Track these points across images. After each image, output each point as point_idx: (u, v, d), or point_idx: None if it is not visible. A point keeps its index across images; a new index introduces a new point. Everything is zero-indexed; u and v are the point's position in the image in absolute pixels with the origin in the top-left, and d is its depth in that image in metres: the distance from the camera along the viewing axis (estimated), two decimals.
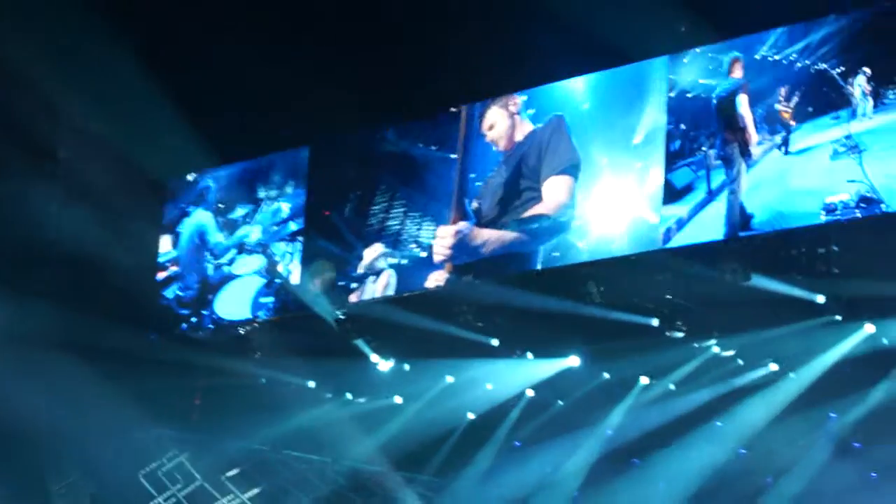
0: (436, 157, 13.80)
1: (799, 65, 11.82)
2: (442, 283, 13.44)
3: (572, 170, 12.88)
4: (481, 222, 13.29)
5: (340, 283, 14.21)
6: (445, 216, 13.57)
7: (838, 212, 11.37)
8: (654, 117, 12.46)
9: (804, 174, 11.62)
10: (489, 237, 13.20)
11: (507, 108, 13.37)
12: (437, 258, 13.50)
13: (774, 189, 11.73)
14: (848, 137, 11.44)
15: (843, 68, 11.59)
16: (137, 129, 14.92)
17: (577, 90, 13.07)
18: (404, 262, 13.81)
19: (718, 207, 12.00)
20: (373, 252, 13.98)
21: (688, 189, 12.23)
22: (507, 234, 13.07)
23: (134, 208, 15.53)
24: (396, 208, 13.98)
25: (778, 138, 11.82)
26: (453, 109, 13.73)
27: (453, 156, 13.67)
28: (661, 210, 12.23)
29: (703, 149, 12.20)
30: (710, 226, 12.03)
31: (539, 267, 12.87)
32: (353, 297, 14.10)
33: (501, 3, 13.74)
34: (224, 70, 14.57)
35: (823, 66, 11.70)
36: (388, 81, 14.29)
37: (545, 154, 13.06)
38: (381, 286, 13.89)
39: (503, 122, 13.41)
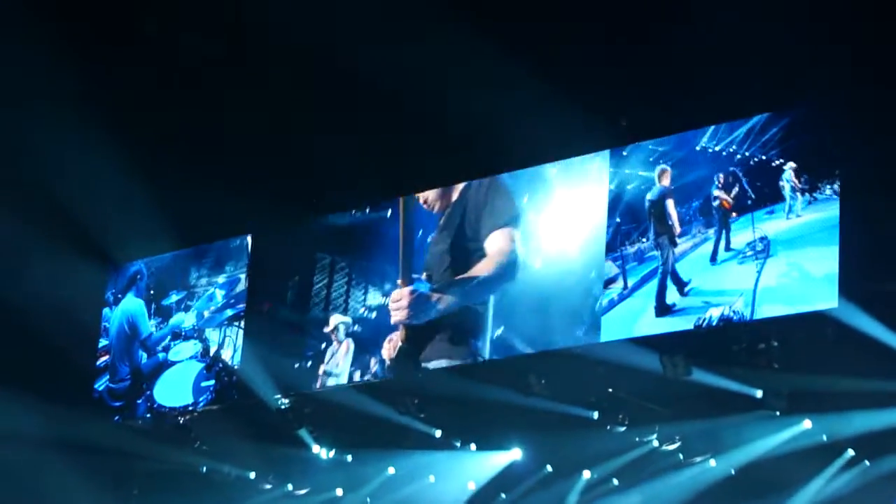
0: (373, 220, 13.95)
1: (739, 156, 12.06)
2: (394, 355, 13.50)
3: (513, 221, 13.10)
4: (433, 289, 13.41)
5: (295, 366, 14.22)
6: (392, 277, 13.69)
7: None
8: (595, 210, 12.72)
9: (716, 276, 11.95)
10: (442, 294, 13.31)
11: None
12: (394, 319, 13.55)
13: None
14: (763, 240, 11.72)
15: (780, 160, 11.84)
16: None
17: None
18: (358, 328, 13.87)
19: (646, 299, 12.24)
20: (332, 323, 14.02)
21: (614, 281, 12.47)
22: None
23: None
24: (338, 280, 14.05)
25: (711, 232, 12.05)
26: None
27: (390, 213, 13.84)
28: (599, 301, 12.42)
29: (633, 243, 12.43)
30: (649, 320, 12.22)
31: (489, 335, 12.98)
32: (319, 382, 14.08)
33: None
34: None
35: (762, 156, 11.95)
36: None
37: (483, 211, 13.25)
38: (341, 356, 13.90)
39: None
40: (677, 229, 12.28)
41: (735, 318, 11.75)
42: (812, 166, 11.62)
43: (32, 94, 14.08)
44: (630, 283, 12.39)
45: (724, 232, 12.00)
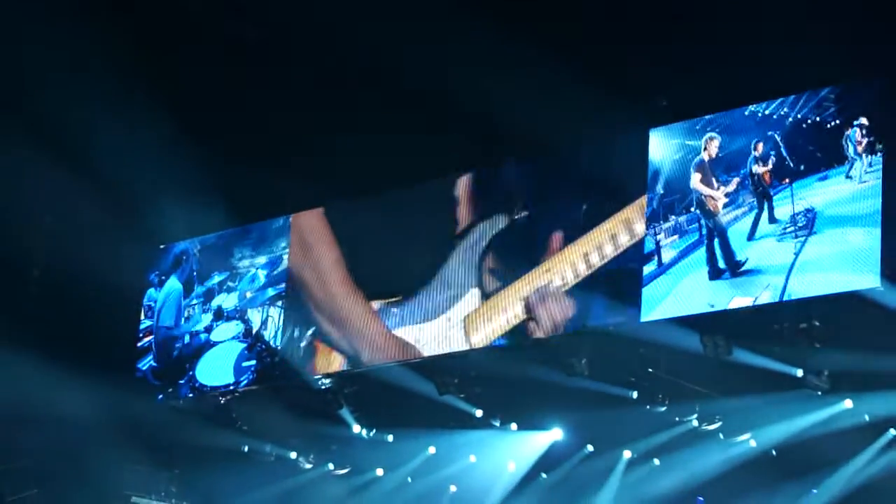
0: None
1: (790, 118, 11.89)
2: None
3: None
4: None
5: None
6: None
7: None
8: (633, 185, 12.70)
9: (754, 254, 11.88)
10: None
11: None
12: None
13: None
14: (808, 212, 11.61)
15: (838, 121, 11.59)
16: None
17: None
18: (399, 307, 13.95)
19: (696, 277, 12.18)
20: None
21: (651, 258, 12.43)
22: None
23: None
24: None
25: (755, 203, 11.99)
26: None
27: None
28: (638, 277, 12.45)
29: (678, 214, 12.41)
30: (690, 298, 12.22)
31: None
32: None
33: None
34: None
35: (816, 117, 11.73)
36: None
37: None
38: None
39: None
40: (722, 200, 12.18)
41: (776, 297, 11.71)
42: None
43: (85, 70, 14.14)
44: (667, 258, 12.31)
45: (765, 204, 11.87)
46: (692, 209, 12.35)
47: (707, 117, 12.39)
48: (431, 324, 13.71)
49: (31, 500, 15.66)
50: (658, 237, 12.43)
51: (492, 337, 13.30)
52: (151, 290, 15.79)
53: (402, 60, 13.32)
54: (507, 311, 13.25)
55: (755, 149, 12.01)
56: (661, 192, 12.53)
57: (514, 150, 13.56)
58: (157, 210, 15.24)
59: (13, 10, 13.88)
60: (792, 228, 11.68)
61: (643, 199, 12.56)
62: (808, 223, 11.60)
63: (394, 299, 14.02)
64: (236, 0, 13.99)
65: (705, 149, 12.34)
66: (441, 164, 13.95)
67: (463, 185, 13.82)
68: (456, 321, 13.58)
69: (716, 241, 12.14)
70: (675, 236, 12.37)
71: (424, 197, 14.09)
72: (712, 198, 12.24)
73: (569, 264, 12.89)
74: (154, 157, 14.67)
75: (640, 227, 12.56)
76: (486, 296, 13.43)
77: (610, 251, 12.66)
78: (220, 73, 14.48)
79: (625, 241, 12.61)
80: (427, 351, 13.68)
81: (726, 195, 12.14)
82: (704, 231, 12.23)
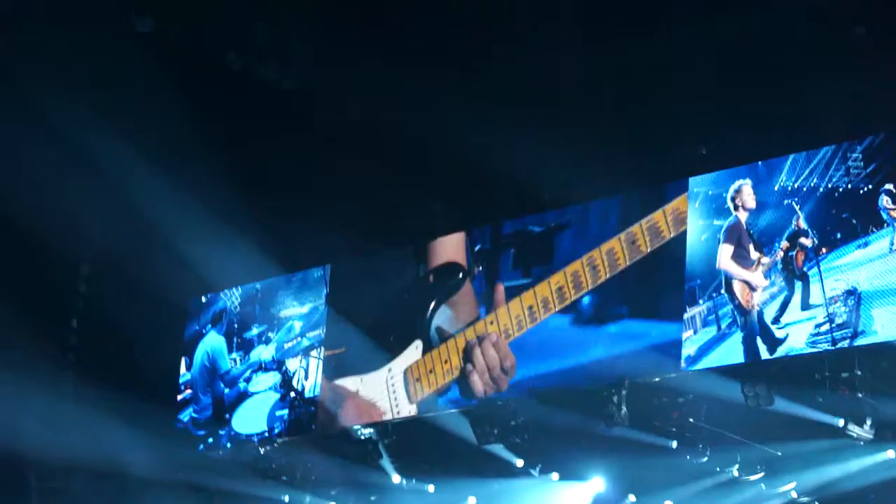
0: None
1: (821, 189, 11.81)
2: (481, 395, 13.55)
3: None
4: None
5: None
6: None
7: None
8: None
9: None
10: None
11: None
12: None
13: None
14: (851, 293, 11.40)
15: (870, 186, 11.48)
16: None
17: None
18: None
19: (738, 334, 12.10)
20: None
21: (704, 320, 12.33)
22: None
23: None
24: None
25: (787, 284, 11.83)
26: None
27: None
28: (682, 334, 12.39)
29: (708, 298, 12.27)
30: (732, 349, 12.16)
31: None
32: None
33: None
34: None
35: (848, 185, 11.61)
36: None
37: None
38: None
39: None
40: (756, 282, 12.04)
41: (819, 347, 11.65)
42: None
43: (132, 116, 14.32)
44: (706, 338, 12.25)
45: (801, 285, 11.75)
46: (721, 291, 12.19)
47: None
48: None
49: None
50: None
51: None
52: (192, 342, 15.88)
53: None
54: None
55: (797, 223, 11.88)
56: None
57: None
58: (198, 260, 15.32)
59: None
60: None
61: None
62: (855, 303, 11.38)
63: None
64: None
65: (735, 208, 12.19)
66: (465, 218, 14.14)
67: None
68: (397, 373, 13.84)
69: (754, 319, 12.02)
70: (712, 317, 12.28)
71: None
72: (746, 280, 12.06)
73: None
74: (198, 205, 14.78)
75: None
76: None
77: None
78: (263, 123, 14.61)
79: None
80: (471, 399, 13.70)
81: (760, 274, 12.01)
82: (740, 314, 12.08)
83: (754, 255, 12.06)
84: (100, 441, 15.20)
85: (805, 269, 11.75)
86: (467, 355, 13.53)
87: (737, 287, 12.11)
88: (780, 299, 11.87)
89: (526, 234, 13.49)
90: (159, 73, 14.01)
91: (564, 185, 13.38)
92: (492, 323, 13.39)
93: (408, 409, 14.04)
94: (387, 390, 14.06)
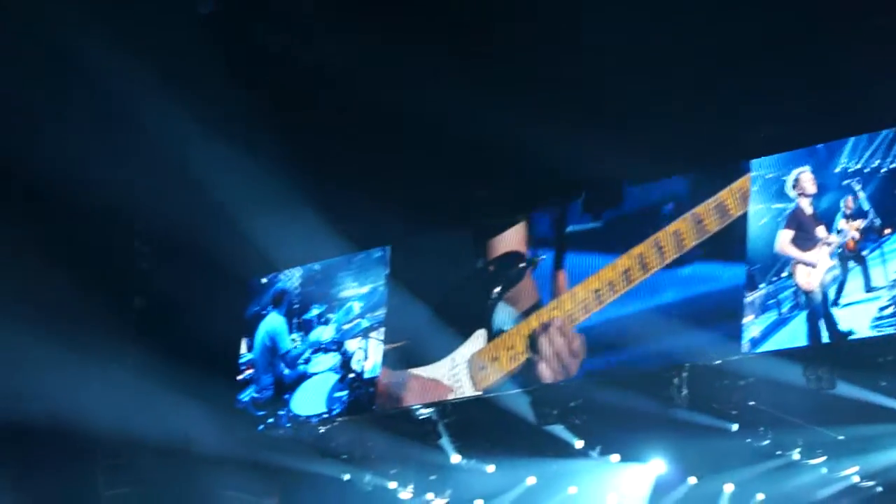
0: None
1: (884, 169, 11.66)
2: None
3: None
4: None
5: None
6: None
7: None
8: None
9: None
10: None
11: None
12: None
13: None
14: None
15: None
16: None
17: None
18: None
19: (801, 317, 11.99)
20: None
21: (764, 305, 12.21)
22: None
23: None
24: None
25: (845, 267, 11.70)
26: None
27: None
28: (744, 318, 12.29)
29: (769, 283, 12.18)
30: (794, 333, 12.06)
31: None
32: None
33: None
34: None
35: None
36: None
37: None
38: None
39: None
40: (818, 265, 11.90)
41: (883, 331, 11.50)
42: None
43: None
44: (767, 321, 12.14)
45: (863, 268, 11.58)
46: (783, 275, 12.09)
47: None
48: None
49: None
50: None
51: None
52: (253, 323, 15.97)
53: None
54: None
55: (846, 205, 11.75)
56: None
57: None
58: (259, 239, 15.40)
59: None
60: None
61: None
62: None
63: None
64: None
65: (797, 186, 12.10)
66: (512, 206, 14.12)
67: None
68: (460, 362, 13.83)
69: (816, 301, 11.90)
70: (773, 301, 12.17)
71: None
72: (806, 262, 11.95)
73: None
74: (260, 184, 14.85)
75: None
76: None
77: None
78: (328, 104, 14.67)
79: None
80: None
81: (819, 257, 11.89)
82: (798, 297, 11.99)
83: (815, 237, 11.93)
84: (164, 418, 15.36)
85: (867, 250, 11.60)
86: (533, 342, 13.46)
87: (798, 270, 11.99)
88: (842, 282, 11.72)
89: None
90: (223, 53, 14.11)
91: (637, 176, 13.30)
92: (556, 308, 13.34)
93: (471, 392, 14.02)
94: (451, 379, 14.05)
